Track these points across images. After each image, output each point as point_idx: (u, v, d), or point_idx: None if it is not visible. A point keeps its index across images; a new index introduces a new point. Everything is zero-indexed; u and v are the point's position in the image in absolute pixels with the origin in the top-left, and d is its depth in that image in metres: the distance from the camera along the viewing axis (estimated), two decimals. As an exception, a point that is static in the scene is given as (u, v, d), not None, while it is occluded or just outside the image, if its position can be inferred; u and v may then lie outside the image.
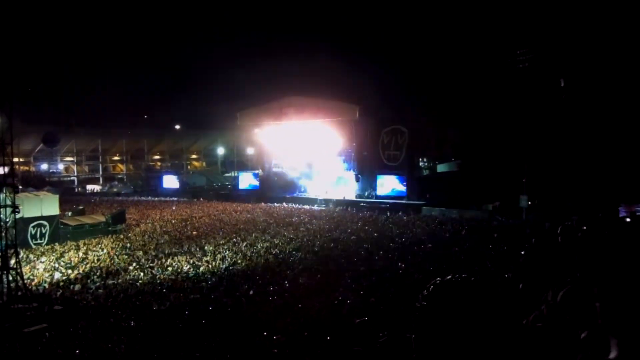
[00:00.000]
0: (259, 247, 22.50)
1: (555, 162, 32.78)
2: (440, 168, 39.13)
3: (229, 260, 20.10)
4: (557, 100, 36.19)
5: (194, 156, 70.56)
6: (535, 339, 2.16)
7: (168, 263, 19.95)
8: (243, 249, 22.23)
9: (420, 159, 39.72)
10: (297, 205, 38.83)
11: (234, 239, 24.44)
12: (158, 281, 17.45)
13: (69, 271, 19.06)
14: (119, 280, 17.67)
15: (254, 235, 25.40)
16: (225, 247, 22.79)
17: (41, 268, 19.55)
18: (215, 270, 18.59)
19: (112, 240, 25.09)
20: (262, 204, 40.74)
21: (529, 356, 2.02)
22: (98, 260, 20.77)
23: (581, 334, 2.12)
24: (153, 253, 21.86)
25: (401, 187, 36.34)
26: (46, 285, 17.46)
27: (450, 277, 1.78)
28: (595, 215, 26.49)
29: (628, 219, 25.91)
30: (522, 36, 40.45)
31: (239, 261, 19.91)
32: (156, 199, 45.87)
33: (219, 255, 20.96)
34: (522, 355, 1.93)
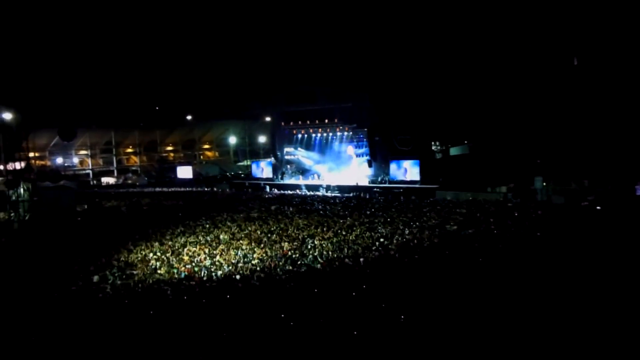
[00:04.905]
0: (275, 236, 22.55)
1: (570, 141, 32.39)
2: (453, 151, 38.82)
3: (244, 249, 20.23)
4: (571, 78, 35.66)
5: (206, 146, 70.78)
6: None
7: (184, 252, 20.15)
8: (259, 236, 22.36)
9: (433, 143, 39.44)
10: (311, 192, 38.90)
11: (249, 228, 24.55)
12: (175, 271, 17.65)
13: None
14: (137, 271, 17.89)
15: (270, 223, 25.49)
16: (239, 235, 22.92)
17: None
18: (232, 259, 18.74)
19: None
20: (276, 190, 40.95)
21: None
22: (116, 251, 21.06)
23: None
24: (169, 243, 22.08)
25: (414, 172, 36.18)
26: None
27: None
28: (611, 194, 26.20)
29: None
30: (534, 13, 39.82)
31: (255, 249, 20.01)
32: (171, 189, 46.22)
33: (234, 244, 21.13)
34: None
